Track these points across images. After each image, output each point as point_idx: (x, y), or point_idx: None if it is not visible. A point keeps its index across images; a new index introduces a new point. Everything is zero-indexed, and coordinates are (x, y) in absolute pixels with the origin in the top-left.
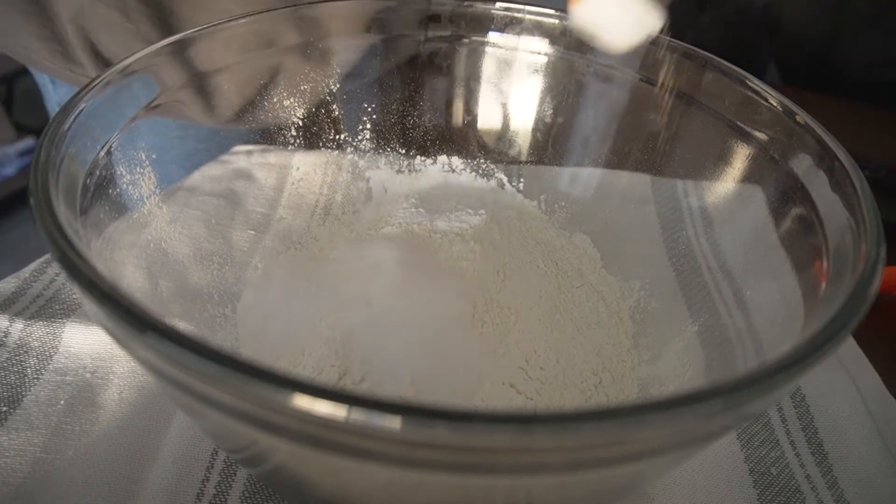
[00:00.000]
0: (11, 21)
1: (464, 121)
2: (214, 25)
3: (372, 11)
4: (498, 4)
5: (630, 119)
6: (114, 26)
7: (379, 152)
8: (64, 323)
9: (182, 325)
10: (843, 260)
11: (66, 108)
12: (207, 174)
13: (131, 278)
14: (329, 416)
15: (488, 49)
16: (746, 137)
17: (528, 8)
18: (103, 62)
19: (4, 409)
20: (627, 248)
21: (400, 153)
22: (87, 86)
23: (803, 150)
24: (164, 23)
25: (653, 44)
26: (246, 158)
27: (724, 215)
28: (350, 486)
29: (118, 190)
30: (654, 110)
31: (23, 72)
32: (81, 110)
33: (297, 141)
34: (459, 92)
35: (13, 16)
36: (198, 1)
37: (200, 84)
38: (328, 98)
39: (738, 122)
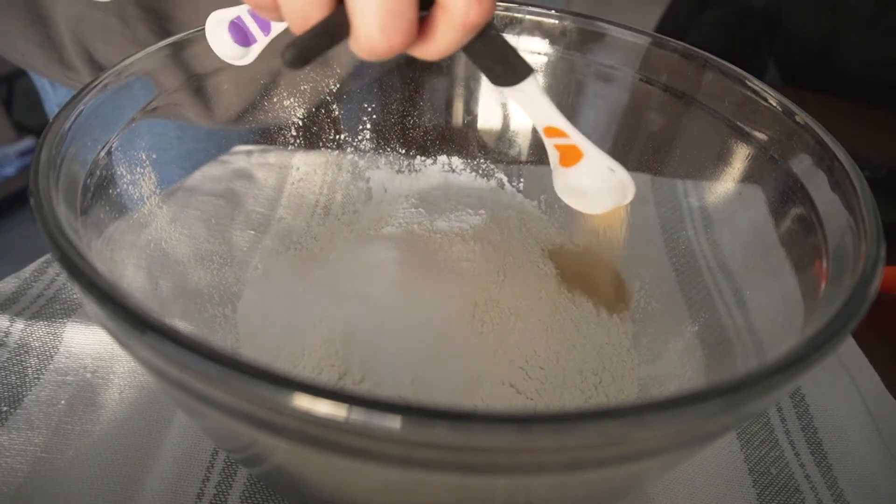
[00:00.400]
0: (9, 27)
1: (464, 121)
2: None
3: None
4: (498, 4)
5: (630, 119)
6: (111, 33)
7: (379, 152)
8: (64, 323)
9: (182, 325)
10: (843, 260)
11: (67, 109)
12: (207, 174)
13: (131, 278)
14: (329, 416)
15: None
16: (746, 137)
17: (528, 8)
18: (98, 69)
19: (5, 408)
20: (627, 248)
21: (400, 153)
22: (86, 87)
23: (803, 150)
24: (163, 28)
25: (654, 44)
26: (246, 158)
27: (724, 215)
28: (350, 486)
29: (118, 190)
30: (654, 110)
31: (23, 72)
32: (81, 111)
33: (297, 141)
34: (459, 92)
35: (11, 22)
36: (199, 5)
37: (199, 86)
38: (328, 98)
39: (738, 122)
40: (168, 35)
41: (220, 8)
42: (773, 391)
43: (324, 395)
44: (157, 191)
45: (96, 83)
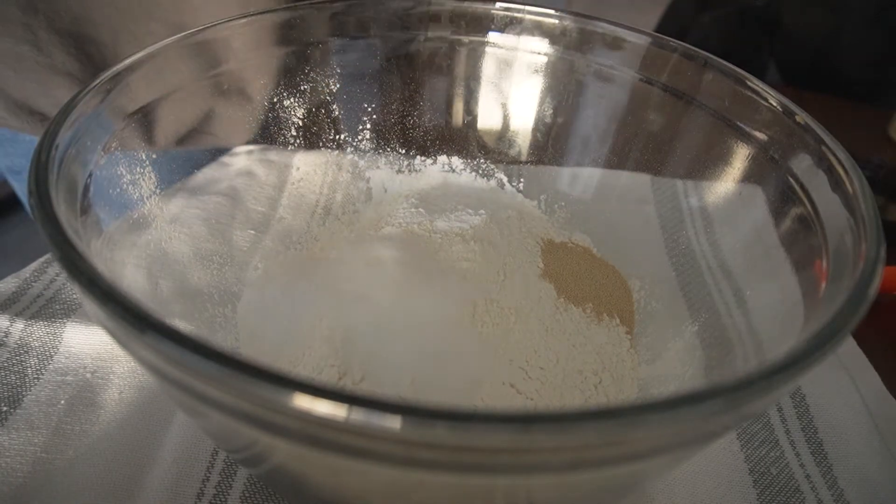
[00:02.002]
0: None
1: (464, 121)
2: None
3: (275, 23)
4: (498, 4)
5: (630, 119)
6: (24, 62)
7: (379, 152)
8: (64, 323)
9: (182, 325)
10: (843, 260)
11: (66, 109)
12: (209, 175)
13: (131, 278)
14: (329, 416)
15: (488, 49)
16: (746, 137)
17: (528, 8)
18: (13, 104)
19: (5, 408)
20: (627, 248)
21: (400, 153)
22: (86, 87)
23: (803, 150)
24: (83, 52)
25: (654, 44)
26: (247, 158)
27: (724, 215)
28: (350, 486)
29: (118, 190)
30: (654, 110)
31: None
32: (81, 111)
33: (297, 141)
34: (459, 92)
35: None
36: (120, 24)
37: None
38: (328, 98)
39: (738, 122)
40: (89, 58)
41: (139, 26)
42: (773, 391)
43: (324, 395)
44: (157, 191)
45: (96, 83)
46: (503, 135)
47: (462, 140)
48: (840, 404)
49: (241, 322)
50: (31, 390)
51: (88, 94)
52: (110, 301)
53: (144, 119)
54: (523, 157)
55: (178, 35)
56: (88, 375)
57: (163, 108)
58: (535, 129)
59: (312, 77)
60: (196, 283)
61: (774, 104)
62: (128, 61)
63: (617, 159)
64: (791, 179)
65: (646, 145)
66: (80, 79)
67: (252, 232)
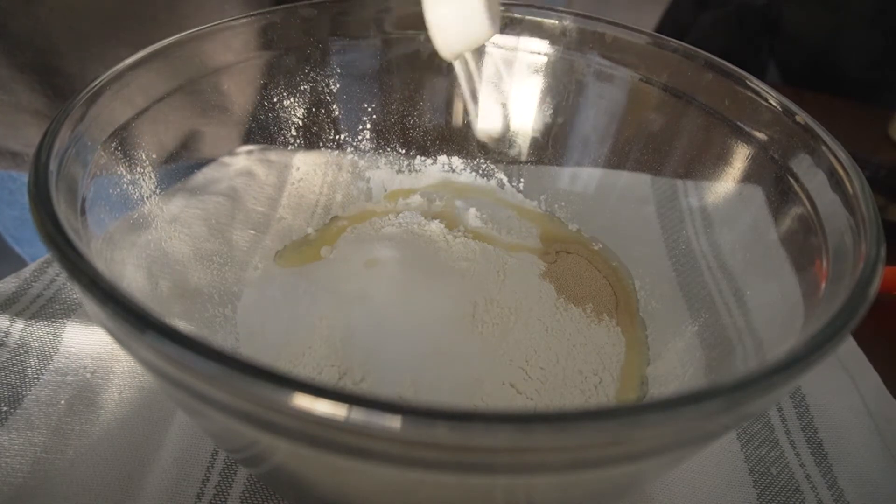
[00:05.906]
0: None
1: (464, 121)
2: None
3: (258, 27)
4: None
5: (630, 119)
6: None
7: (379, 152)
8: (64, 323)
9: (182, 325)
10: (843, 260)
11: (66, 110)
12: (209, 175)
13: (131, 278)
14: (329, 415)
15: (488, 49)
16: (746, 137)
17: (528, 8)
18: None
19: (5, 409)
20: (627, 248)
21: (400, 153)
22: (86, 87)
23: (803, 150)
24: (50, 85)
25: (654, 44)
26: (246, 158)
27: (724, 215)
28: (350, 485)
29: (118, 190)
30: (654, 110)
31: None
32: (81, 111)
33: (298, 141)
34: (459, 92)
35: None
36: (87, 52)
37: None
38: (328, 98)
39: (738, 122)
40: (57, 91)
41: (106, 50)
42: (773, 391)
43: (324, 395)
44: (157, 191)
45: (96, 83)
46: (503, 135)
47: (462, 140)
48: (840, 404)
49: (241, 322)
50: (31, 390)
51: (89, 94)
52: (110, 301)
53: (143, 121)
54: (523, 157)
55: (177, 35)
56: (88, 375)
57: (163, 108)
58: (535, 129)
59: (312, 77)
60: (196, 283)
61: (774, 104)
62: (128, 61)
63: (617, 159)
64: (791, 179)
65: (646, 145)
66: (47, 115)
67: (252, 232)
